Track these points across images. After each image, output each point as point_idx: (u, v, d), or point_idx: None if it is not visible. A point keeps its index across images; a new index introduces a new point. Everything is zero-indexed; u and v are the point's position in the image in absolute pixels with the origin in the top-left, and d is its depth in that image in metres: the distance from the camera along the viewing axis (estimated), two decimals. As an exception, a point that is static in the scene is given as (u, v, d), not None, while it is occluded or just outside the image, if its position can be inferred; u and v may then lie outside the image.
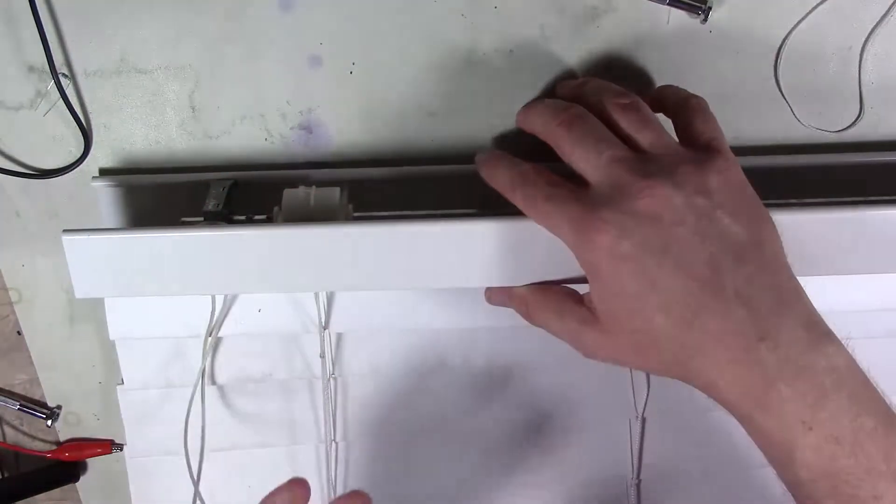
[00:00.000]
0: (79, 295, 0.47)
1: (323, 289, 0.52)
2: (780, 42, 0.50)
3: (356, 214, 0.50)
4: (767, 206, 0.41)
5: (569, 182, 0.41)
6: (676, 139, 0.43)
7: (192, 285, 0.47)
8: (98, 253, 0.46)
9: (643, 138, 0.41)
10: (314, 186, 0.49)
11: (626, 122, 0.41)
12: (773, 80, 0.51)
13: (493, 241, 0.45)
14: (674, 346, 0.38)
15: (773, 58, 0.51)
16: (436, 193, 0.52)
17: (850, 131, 0.53)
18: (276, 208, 0.49)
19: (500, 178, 0.43)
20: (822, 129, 0.53)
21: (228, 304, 0.54)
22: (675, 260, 0.37)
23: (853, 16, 0.50)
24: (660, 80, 0.51)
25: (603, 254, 0.38)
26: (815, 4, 0.49)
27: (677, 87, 0.47)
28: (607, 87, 0.44)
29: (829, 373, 0.36)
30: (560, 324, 0.42)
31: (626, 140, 0.41)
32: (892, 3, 0.49)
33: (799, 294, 0.39)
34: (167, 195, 0.52)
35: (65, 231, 0.45)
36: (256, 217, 0.51)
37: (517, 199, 0.42)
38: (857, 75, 0.51)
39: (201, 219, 0.49)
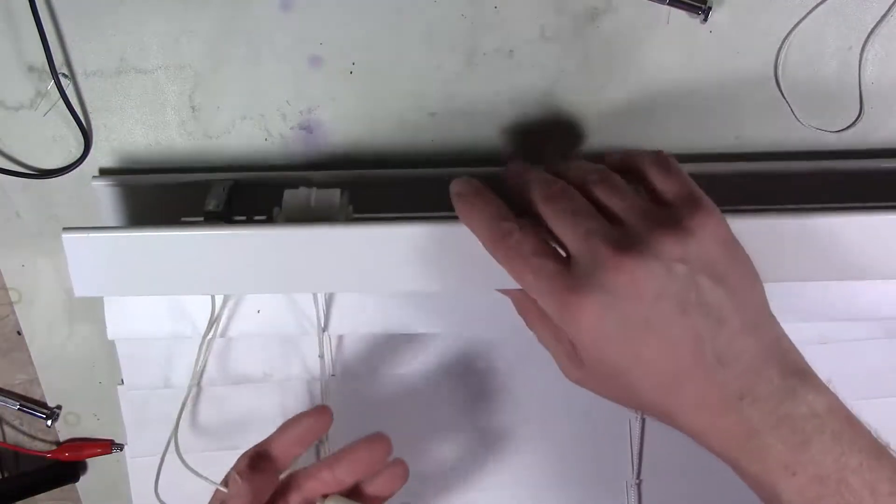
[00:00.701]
0: (78, 294, 0.47)
1: (322, 290, 0.52)
2: (780, 42, 0.50)
3: (356, 216, 0.50)
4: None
5: (552, 251, 0.40)
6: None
7: (192, 285, 0.47)
8: (98, 251, 0.46)
9: (615, 206, 0.41)
10: (314, 188, 0.49)
11: (600, 194, 0.41)
12: (773, 80, 0.51)
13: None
14: (657, 407, 0.40)
15: (773, 58, 0.51)
16: (437, 195, 0.52)
17: (850, 131, 0.53)
18: (276, 209, 0.49)
19: (479, 227, 0.42)
20: (822, 129, 0.53)
21: (228, 304, 0.54)
22: (658, 335, 0.38)
23: (853, 16, 0.50)
24: (660, 80, 0.51)
25: (586, 332, 0.38)
26: (815, 4, 0.49)
27: (639, 150, 0.46)
28: (586, 165, 0.44)
29: (810, 418, 0.37)
30: (552, 345, 0.43)
31: (603, 211, 0.41)
32: (893, 3, 0.49)
33: (779, 343, 0.40)
34: (167, 195, 0.52)
35: (65, 229, 0.45)
36: (257, 218, 0.51)
37: (498, 256, 0.41)
38: (858, 75, 0.51)
39: (201, 219, 0.49)
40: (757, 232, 0.44)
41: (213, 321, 0.54)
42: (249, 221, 0.51)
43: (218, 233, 0.45)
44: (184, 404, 0.55)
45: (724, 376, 0.38)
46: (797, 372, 0.39)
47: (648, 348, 0.38)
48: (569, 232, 0.40)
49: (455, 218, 0.44)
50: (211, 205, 0.49)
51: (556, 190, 0.42)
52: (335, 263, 0.46)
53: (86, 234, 0.45)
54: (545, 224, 0.41)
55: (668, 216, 0.40)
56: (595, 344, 0.39)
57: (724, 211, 0.41)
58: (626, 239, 0.38)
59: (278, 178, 0.51)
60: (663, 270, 0.37)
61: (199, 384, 0.56)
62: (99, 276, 0.47)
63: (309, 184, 0.49)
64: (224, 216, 0.49)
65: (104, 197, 0.52)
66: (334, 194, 0.48)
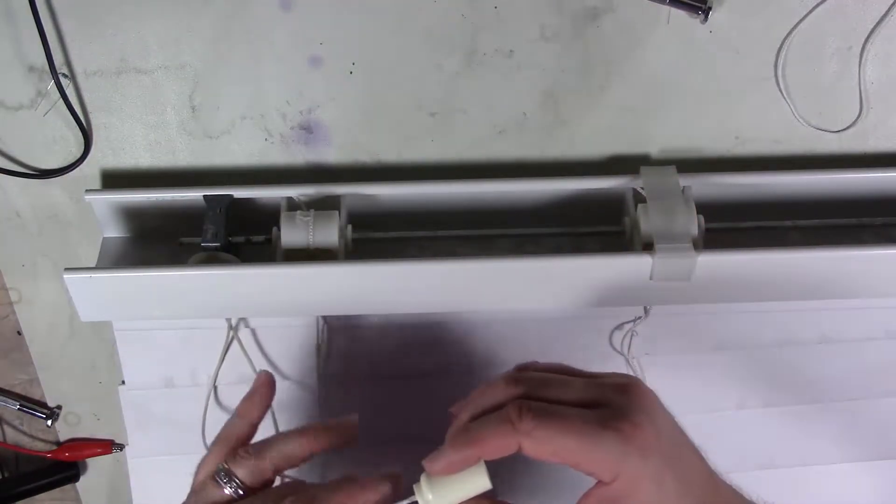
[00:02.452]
0: (83, 319, 0.50)
1: (320, 313, 0.54)
2: (780, 42, 0.50)
3: (355, 236, 0.51)
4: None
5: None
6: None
7: (193, 312, 0.50)
8: (99, 287, 0.48)
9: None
10: (313, 211, 0.49)
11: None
12: (773, 80, 0.51)
13: (487, 275, 0.49)
14: None
15: (773, 58, 0.51)
16: (437, 209, 0.52)
17: (850, 131, 0.53)
18: (274, 229, 0.50)
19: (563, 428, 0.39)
20: (822, 128, 0.53)
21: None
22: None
23: (853, 16, 0.50)
24: (660, 80, 0.51)
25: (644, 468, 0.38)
26: (815, 4, 0.49)
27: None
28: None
29: None
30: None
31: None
32: (893, 3, 0.49)
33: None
34: (166, 205, 0.51)
35: (66, 269, 0.48)
36: (255, 239, 0.51)
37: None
38: (858, 75, 0.51)
39: (199, 240, 0.50)
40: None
41: (229, 343, 0.55)
42: (248, 244, 0.51)
43: (215, 272, 0.48)
44: (206, 406, 0.56)
45: None
46: None
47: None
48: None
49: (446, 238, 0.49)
50: (209, 233, 0.50)
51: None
52: (333, 293, 0.49)
53: (87, 275, 0.48)
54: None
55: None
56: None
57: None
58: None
59: (276, 197, 0.51)
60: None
61: (215, 384, 0.57)
62: (101, 305, 0.50)
63: (307, 197, 0.50)
64: (222, 244, 0.50)
65: (101, 205, 0.52)
66: (333, 218, 0.49)
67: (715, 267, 0.49)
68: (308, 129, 0.52)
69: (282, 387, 0.57)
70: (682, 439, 0.41)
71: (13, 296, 0.56)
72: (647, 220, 0.49)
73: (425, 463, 0.39)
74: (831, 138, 0.53)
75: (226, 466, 0.43)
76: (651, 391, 0.40)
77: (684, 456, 0.40)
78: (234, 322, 0.54)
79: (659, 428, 0.38)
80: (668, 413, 0.41)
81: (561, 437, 0.37)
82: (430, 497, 0.39)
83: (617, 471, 0.37)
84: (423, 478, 0.39)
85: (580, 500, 0.39)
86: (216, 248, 0.50)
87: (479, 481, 0.39)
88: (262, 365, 0.56)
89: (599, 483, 0.38)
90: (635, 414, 0.38)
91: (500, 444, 0.38)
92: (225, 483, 0.42)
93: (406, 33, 0.50)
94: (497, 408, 0.39)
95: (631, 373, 0.57)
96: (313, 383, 0.57)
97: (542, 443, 0.37)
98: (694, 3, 0.48)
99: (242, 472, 0.42)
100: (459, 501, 0.39)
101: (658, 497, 0.38)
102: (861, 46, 0.51)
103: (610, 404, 0.38)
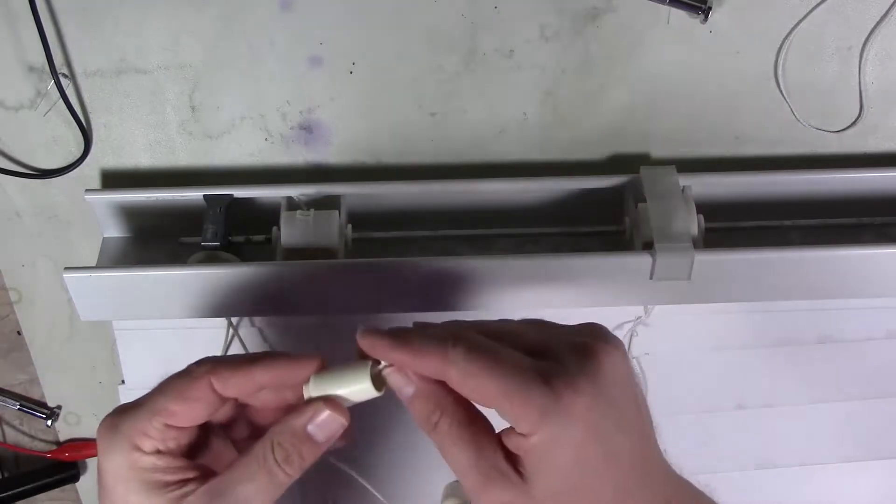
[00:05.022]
0: (83, 319, 0.50)
1: (320, 313, 0.54)
2: (780, 42, 0.50)
3: (355, 236, 0.51)
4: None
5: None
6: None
7: (193, 312, 0.50)
8: (99, 287, 0.48)
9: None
10: (313, 210, 0.49)
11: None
12: (773, 80, 0.51)
13: (483, 274, 0.49)
14: None
15: (773, 58, 0.51)
16: (437, 209, 0.52)
17: (850, 131, 0.53)
18: (274, 229, 0.50)
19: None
20: (822, 128, 0.53)
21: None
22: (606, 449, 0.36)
23: (853, 16, 0.50)
24: (660, 80, 0.51)
25: (569, 434, 0.35)
26: (815, 4, 0.49)
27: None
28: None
29: None
30: (470, 458, 0.37)
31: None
32: (893, 3, 0.49)
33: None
34: (165, 205, 0.51)
35: (66, 269, 0.48)
36: (255, 238, 0.51)
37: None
38: (858, 75, 0.51)
39: (199, 240, 0.50)
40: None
41: (228, 342, 0.55)
42: (248, 243, 0.51)
43: (215, 271, 0.48)
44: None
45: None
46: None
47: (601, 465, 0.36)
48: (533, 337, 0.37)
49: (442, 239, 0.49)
50: (209, 233, 0.50)
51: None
52: (332, 292, 0.49)
53: (87, 274, 0.48)
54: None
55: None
56: (563, 453, 0.35)
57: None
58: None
59: (276, 197, 0.51)
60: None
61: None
62: (102, 305, 0.50)
63: (306, 197, 0.50)
64: (222, 243, 0.50)
65: (101, 205, 0.52)
66: (332, 217, 0.49)
67: (715, 266, 0.49)
68: (308, 129, 0.52)
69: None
70: (627, 417, 0.37)
71: (13, 296, 0.56)
72: (647, 220, 0.49)
73: (359, 328, 0.37)
74: (831, 138, 0.53)
75: None
76: (618, 361, 0.37)
77: (621, 434, 0.36)
78: (234, 322, 0.54)
79: (600, 399, 0.35)
80: (628, 389, 0.37)
81: (486, 375, 0.34)
82: (311, 387, 0.38)
83: (534, 426, 0.34)
84: (312, 376, 0.38)
85: (500, 432, 0.36)
86: (216, 248, 0.50)
87: (363, 383, 0.37)
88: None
89: (517, 431, 0.35)
90: (578, 377, 0.35)
91: (427, 362, 0.35)
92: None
93: (406, 33, 0.50)
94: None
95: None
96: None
97: (466, 376, 0.35)
98: (694, 3, 0.48)
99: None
100: (340, 396, 0.37)
101: (575, 467, 0.35)
102: (861, 46, 0.51)
103: (559, 360, 0.35)
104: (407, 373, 0.37)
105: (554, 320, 0.39)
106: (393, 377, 0.37)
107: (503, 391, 0.34)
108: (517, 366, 0.35)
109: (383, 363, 0.37)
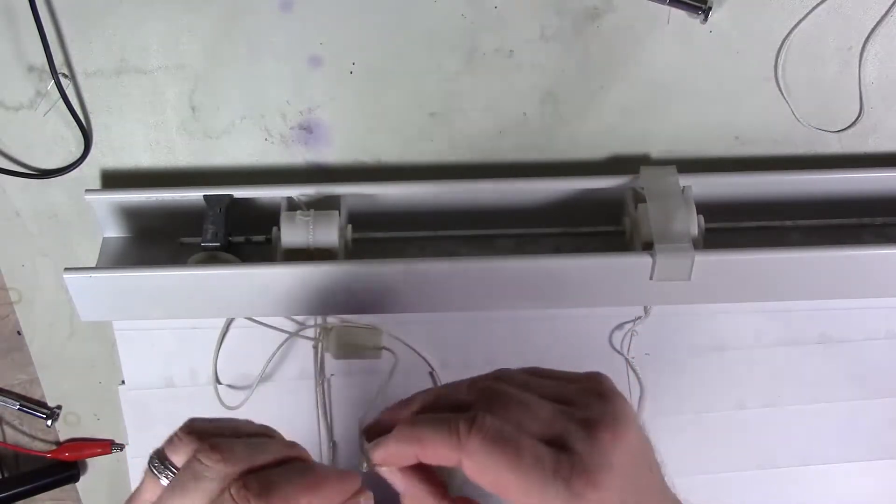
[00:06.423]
0: (83, 319, 0.50)
1: (320, 313, 0.54)
2: (780, 42, 0.50)
3: (355, 236, 0.51)
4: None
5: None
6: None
7: (193, 312, 0.50)
8: (99, 287, 0.48)
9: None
10: (313, 211, 0.49)
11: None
12: (773, 80, 0.51)
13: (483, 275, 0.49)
14: None
15: (773, 58, 0.51)
16: (437, 209, 0.52)
17: (850, 131, 0.53)
18: (274, 229, 0.50)
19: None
20: (822, 128, 0.53)
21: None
22: None
23: (853, 16, 0.50)
24: (660, 80, 0.51)
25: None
26: (815, 4, 0.49)
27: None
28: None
29: None
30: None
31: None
32: (893, 3, 0.49)
33: None
34: (166, 202, 0.51)
35: (66, 269, 0.48)
36: (255, 239, 0.51)
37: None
38: (858, 75, 0.51)
39: (199, 240, 0.50)
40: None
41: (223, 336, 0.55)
42: (248, 243, 0.51)
43: (215, 272, 0.48)
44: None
45: None
46: None
47: None
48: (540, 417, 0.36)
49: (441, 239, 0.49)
50: (209, 233, 0.50)
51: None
52: (332, 294, 0.49)
53: (87, 275, 0.48)
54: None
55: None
56: None
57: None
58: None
59: (276, 198, 0.51)
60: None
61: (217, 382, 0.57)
62: (102, 305, 0.50)
63: (306, 197, 0.50)
64: (222, 243, 0.50)
65: (101, 205, 0.52)
66: (333, 218, 0.49)
67: (715, 267, 0.49)
68: (308, 129, 0.52)
69: (280, 386, 0.57)
70: (642, 487, 0.36)
71: (13, 296, 0.56)
72: (647, 220, 0.49)
73: (370, 451, 0.36)
74: (831, 138, 0.53)
75: (162, 452, 0.38)
76: (630, 432, 0.35)
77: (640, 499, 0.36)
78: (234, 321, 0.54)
79: (616, 488, 0.34)
80: (642, 460, 0.36)
81: (505, 469, 0.33)
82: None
83: None
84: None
85: None
86: (216, 248, 0.50)
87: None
88: (259, 364, 0.56)
89: None
90: (595, 468, 0.33)
91: (441, 453, 0.34)
92: (159, 473, 0.38)
93: (406, 33, 0.50)
94: (455, 408, 0.36)
95: (630, 372, 0.57)
96: (311, 383, 0.57)
97: (483, 469, 0.34)
98: (694, 3, 0.48)
99: (178, 458, 0.38)
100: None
101: None
102: (861, 46, 0.51)
103: (573, 446, 0.34)
104: (395, 476, 0.37)
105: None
106: (386, 474, 0.37)
107: (522, 488, 0.33)
108: (536, 459, 0.33)
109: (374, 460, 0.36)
